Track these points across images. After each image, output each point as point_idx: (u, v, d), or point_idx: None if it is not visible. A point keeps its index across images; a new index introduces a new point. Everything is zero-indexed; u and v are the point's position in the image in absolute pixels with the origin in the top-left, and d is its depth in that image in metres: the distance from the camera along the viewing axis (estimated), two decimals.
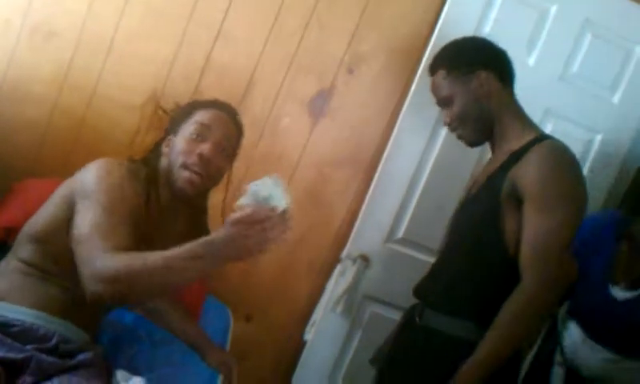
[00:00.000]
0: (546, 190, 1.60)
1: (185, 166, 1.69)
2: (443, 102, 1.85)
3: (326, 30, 2.34)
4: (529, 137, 1.71)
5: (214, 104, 1.83)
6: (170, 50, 2.29)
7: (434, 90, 1.88)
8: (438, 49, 2.22)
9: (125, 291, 1.41)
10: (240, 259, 1.34)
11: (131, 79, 2.29)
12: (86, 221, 1.51)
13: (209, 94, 2.18)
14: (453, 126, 1.84)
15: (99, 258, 1.42)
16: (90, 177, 1.61)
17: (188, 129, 1.74)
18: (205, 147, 1.70)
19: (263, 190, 1.31)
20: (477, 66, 1.78)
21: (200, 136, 1.72)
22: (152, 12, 2.27)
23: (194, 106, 1.82)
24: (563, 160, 1.65)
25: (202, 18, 2.29)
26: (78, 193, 1.59)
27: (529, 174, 1.62)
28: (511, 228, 1.65)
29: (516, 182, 1.64)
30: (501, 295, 1.61)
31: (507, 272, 1.63)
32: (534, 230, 1.59)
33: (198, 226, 1.83)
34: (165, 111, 1.87)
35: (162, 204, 1.73)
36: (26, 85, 2.26)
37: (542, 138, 1.71)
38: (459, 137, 1.85)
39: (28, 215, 1.72)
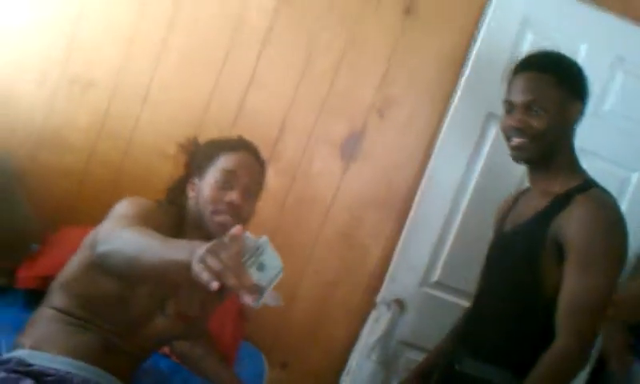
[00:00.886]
0: (590, 249, 1.56)
1: (216, 213, 1.69)
2: (530, 106, 1.67)
3: (356, 73, 2.36)
4: (575, 182, 1.67)
5: (236, 145, 1.82)
6: (203, 98, 2.34)
7: (529, 87, 1.69)
8: (468, 89, 2.25)
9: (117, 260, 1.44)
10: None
11: (166, 127, 2.34)
12: (109, 221, 1.58)
13: None
14: (522, 134, 1.68)
15: (114, 227, 1.51)
16: (118, 205, 1.66)
17: (213, 175, 1.73)
18: (234, 196, 1.69)
19: (266, 252, 1.20)
20: (581, 95, 1.72)
21: (227, 183, 1.71)
22: (186, 60, 2.32)
23: (216, 149, 1.80)
24: (609, 217, 1.61)
25: (235, 66, 2.33)
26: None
27: (574, 228, 1.58)
28: (551, 276, 1.61)
29: (559, 232, 1.60)
30: (538, 343, 1.57)
31: (545, 320, 1.59)
32: (573, 288, 1.56)
33: None
34: (182, 146, 1.88)
35: None
36: (64, 134, 2.32)
37: (587, 184, 1.67)
38: (517, 147, 1.70)
39: (64, 263, 1.74)
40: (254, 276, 1.15)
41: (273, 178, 2.36)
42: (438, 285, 2.39)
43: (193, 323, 1.81)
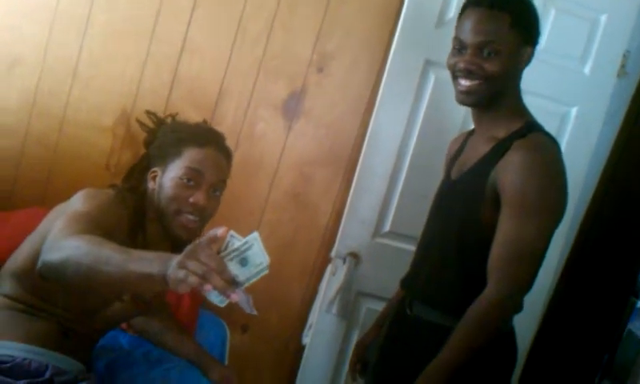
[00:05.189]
0: (522, 195, 1.53)
1: (179, 213, 1.65)
2: (482, 47, 1.57)
3: (291, 32, 2.33)
4: (517, 124, 1.63)
5: (203, 139, 1.73)
6: (135, 68, 2.28)
7: (482, 27, 1.57)
8: (404, 39, 2.24)
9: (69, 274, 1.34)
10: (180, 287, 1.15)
11: (100, 100, 2.28)
12: (61, 219, 1.49)
13: (180, 108, 2.16)
14: (472, 76, 1.59)
15: (63, 233, 1.40)
16: (74, 199, 1.60)
17: (177, 171, 1.66)
18: (199, 196, 1.65)
19: (252, 248, 1.17)
20: (534, 40, 1.64)
21: (192, 181, 1.66)
22: (114, 32, 2.26)
23: (182, 140, 1.71)
24: (545, 164, 1.56)
25: (165, 34, 2.28)
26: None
27: (508, 175, 1.55)
28: (492, 224, 1.58)
29: (497, 180, 1.57)
30: (480, 289, 1.57)
31: (486, 266, 1.58)
32: (505, 235, 1.54)
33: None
34: (142, 123, 1.82)
35: (149, 237, 1.70)
36: None
37: (528, 129, 1.62)
38: (466, 90, 1.61)
39: (8, 248, 1.70)
40: (234, 270, 1.14)
41: None
42: (391, 234, 2.41)
43: (149, 304, 1.80)
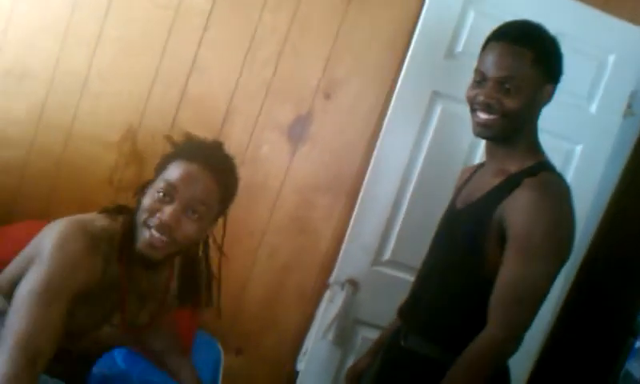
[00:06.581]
0: (529, 237, 1.51)
1: (146, 225, 1.50)
2: (503, 82, 1.56)
3: (301, 57, 2.34)
4: (529, 161, 1.61)
5: (193, 154, 1.57)
6: (144, 85, 2.29)
7: (505, 62, 1.57)
8: (412, 69, 2.25)
9: None
10: None
11: (107, 116, 2.29)
12: (25, 284, 1.40)
13: (186, 127, 2.14)
14: (491, 110, 1.58)
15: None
16: (48, 241, 1.46)
17: (158, 183, 1.53)
18: (165, 212, 1.49)
19: None
20: (555, 78, 1.64)
21: (167, 196, 1.51)
22: (124, 49, 2.27)
23: (175, 152, 1.59)
24: (554, 206, 1.54)
25: (175, 52, 2.29)
26: (36, 252, 1.46)
27: (516, 214, 1.52)
28: (494, 260, 1.56)
29: (503, 216, 1.55)
30: (479, 325, 1.55)
31: (486, 302, 1.56)
32: (507, 277, 1.52)
33: (186, 278, 1.74)
34: (170, 138, 1.65)
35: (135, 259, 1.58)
36: (1, 128, 2.25)
37: (539, 167, 1.60)
38: (484, 124, 1.60)
39: (2, 262, 1.68)
40: None
41: None
42: (390, 263, 2.40)
43: (143, 332, 1.75)
